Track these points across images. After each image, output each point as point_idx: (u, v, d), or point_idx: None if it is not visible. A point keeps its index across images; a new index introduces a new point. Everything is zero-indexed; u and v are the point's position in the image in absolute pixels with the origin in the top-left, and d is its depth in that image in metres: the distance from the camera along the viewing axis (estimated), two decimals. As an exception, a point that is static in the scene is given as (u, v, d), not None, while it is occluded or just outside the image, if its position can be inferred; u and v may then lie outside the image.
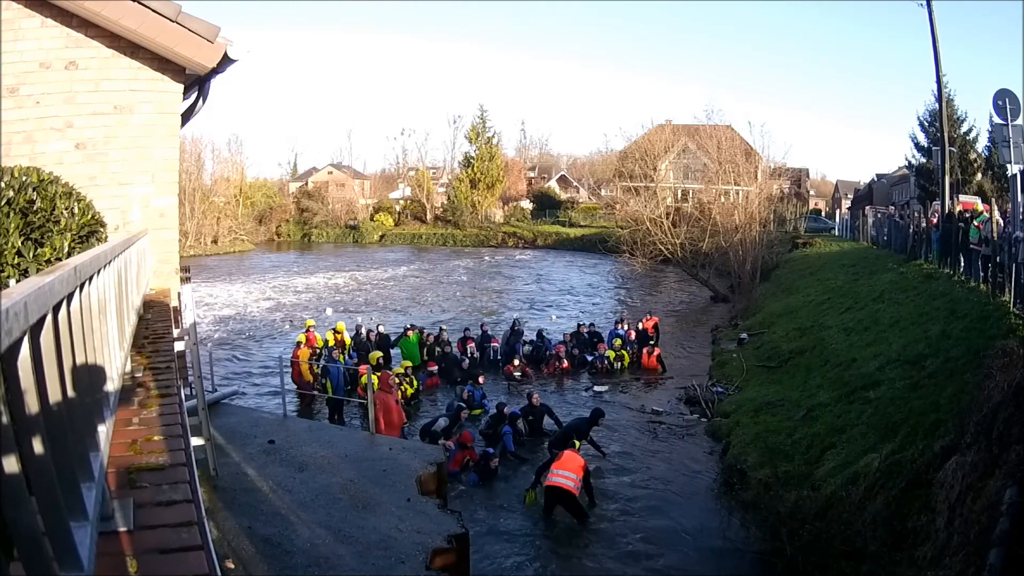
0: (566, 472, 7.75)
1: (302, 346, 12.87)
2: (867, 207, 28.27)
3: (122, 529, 1.37)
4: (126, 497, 1.46)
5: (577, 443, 8.69)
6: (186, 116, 5.90)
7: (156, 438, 1.88)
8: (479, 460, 8.91)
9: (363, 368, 10.90)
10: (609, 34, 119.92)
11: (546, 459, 8.90)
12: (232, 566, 4.35)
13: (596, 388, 13.20)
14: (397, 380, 10.86)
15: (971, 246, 11.17)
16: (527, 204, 56.02)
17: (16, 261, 2.35)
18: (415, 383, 12.16)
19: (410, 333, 14.30)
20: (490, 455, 8.98)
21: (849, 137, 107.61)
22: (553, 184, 62.90)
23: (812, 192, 61.97)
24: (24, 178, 2.60)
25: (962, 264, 12.00)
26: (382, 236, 51.21)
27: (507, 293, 26.62)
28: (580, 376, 14.08)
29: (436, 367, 13.26)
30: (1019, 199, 10.66)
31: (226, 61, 5.17)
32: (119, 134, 5.19)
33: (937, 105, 20.30)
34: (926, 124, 35.18)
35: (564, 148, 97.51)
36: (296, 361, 11.84)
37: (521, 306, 23.24)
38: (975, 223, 11.14)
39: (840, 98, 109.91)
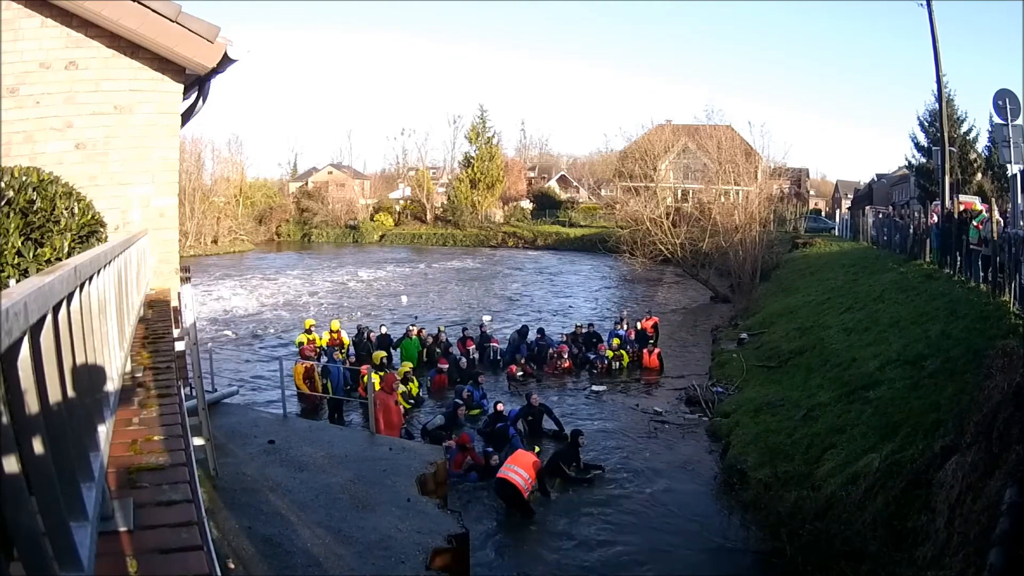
0: (517, 468, 7.86)
1: (302, 349, 12.92)
2: (867, 207, 28.26)
3: (122, 529, 1.37)
4: (126, 497, 1.47)
5: (566, 469, 8.75)
6: (186, 116, 5.91)
7: (156, 438, 1.88)
8: (481, 462, 8.90)
9: (364, 368, 10.91)
10: (609, 34, 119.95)
11: (556, 449, 9.26)
12: (233, 566, 4.35)
13: (595, 388, 13.19)
14: (400, 384, 10.86)
15: (971, 246, 11.17)
16: (527, 204, 56.02)
17: (16, 261, 2.35)
18: (416, 383, 12.18)
19: (412, 334, 14.31)
20: (490, 454, 8.98)
21: (849, 137, 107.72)
22: (553, 184, 62.89)
23: (812, 192, 61.96)
24: (24, 178, 2.60)
25: (959, 263, 12.01)
26: (382, 236, 51.21)
27: (507, 294, 26.61)
28: (581, 376, 14.09)
29: (446, 363, 13.24)
30: (1019, 199, 10.67)
31: (226, 61, 5.17)
32: (119, 134, 5.19)
33: (937, 105, 20.31)
34: (926, 124, 35.19)
35: (564, 148, 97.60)
36: (302, 361, 11.90)
37: (520, 307, 23.26)
38: (974, 223, 11.13)
39: (840, 98, 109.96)
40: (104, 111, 5.15)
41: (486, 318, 18.29)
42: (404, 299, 23.91)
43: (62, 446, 1.12)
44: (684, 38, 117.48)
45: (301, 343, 13.67)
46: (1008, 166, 11.63)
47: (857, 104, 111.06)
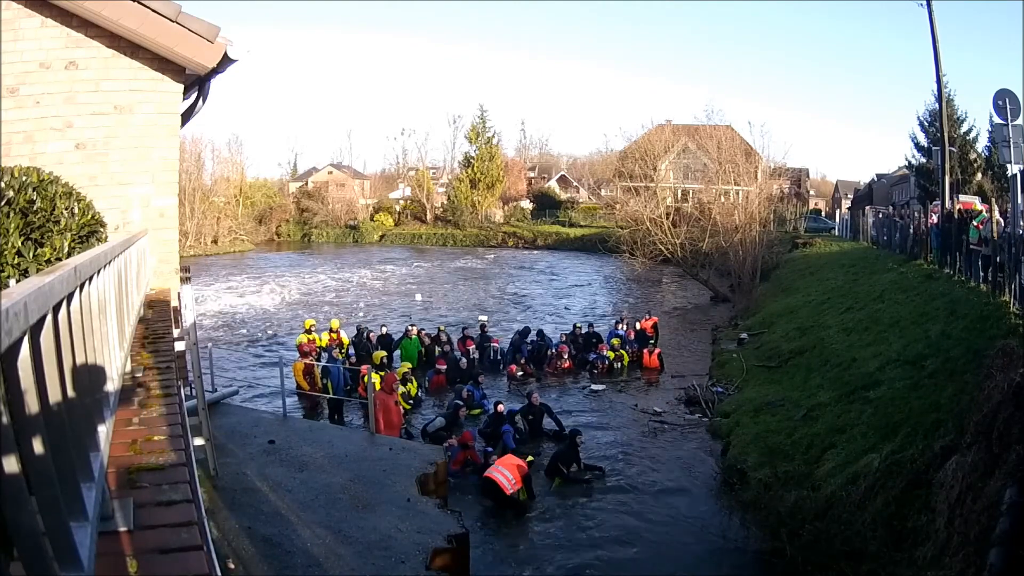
0: (504, 470, 8.02)
1: (301, 346, 12.92)
2: (867, 207, 28.25)
3: (122, 529, 1.37)
4: (126, 497, 1.47)
5: (565, 470, 8.81)
6: (186, 116, 5.91)
7: (156, 438, 1.88)
8: (480, 462, 8.91)
9: (364, 368, 10.92)
10: (609, 34, 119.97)
11: (555, 450, 9.28)
12: (233, 566, 4.35)
13: (593, 387, 13.20)
14: (399, 385, 10.85)
15: (971, 246, 11.17)
16: (527, 204, 56.02)
17: (16, 261, 2.35)
18: (415, 383, 12.18)
19: (411, 334, 14.30)
20: (490, 454, 8.99)
21: (849, 137, 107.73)
22: (553, 184, 62.88)
23: (812, 192, 61.93)
24: (24, 178, 2.60)
25: (959, 263, 12.01)
26: (382, 236, 51.23)
27: (508, 294, 26.61)
28: (581, 376, 14.08)
29: (444, 365, 13.22)
30: (1019, 199, 10.67)
31: (226, 61, 5.17)
32: (119, 134, 5.19)
33: (937, 105, 20.31)
34: (926, 124, 35.17)
35: (564, 148, 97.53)
36: (303, 361, 11.90)
37: (520, 307, 23.26)
38: (974, 223, 11.13)
39: (840, 98, 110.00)
40: (104, 111, 5.14)
41: (482, 318, 18.31)
42: (419, 296, 24.14)
43: (62, 446, 1.12)
44: (684, 38, 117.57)
45: (301, 342, 13.67)
46: (1008, 166, 11.62)
47: (857, 104, 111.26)
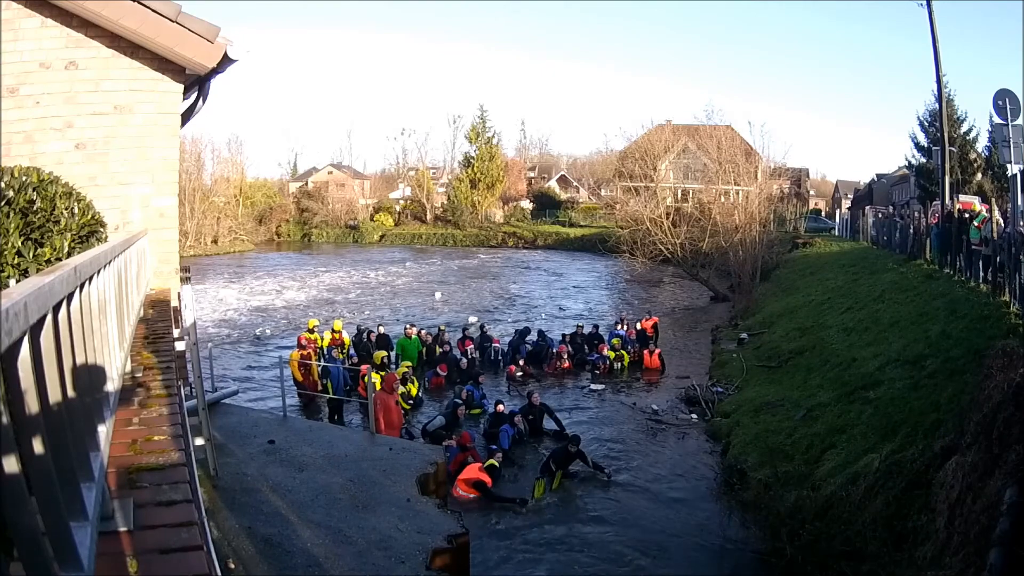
0: (458, 487, 8.21)
1: (301, 343, 12.91)
2: (867, 207, 28.23)
3: (122, 529, 1.37)
4: (126, 497, 1.47)
5: (558, 474, 8.76)
6: (186, 116, 5.91)
7: (156, 438, 1.88)
8: (483, 462, 8.91)
9: (364, 368, 10.90)
10: (609, 34, 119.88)
11: (553, 449, 9.24)
12: (233, 566, 4.35)
13: (593, 386, 13.20)
14: (399, 385, 10.84)
15: (972, 246, 11.17)
16: (527, 204, 56.04)
17: (16, 261, 2.35)
18: (415, 383, 12.18)
19: (411, 333, 14.29)
20: (493, 451, 8.99)
21: (849, 137, 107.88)
22: (553, 184, 62.89)
23: (812, 192, 61.94)
24: (24, 178, 2.60)
25: (959, 263, 12.01)
26: (382, 236, 51.26)
27: (506, 294, 26.61)
28: (581, 376, 14.08)
29: (446, 370, 13.18)
30: (1019, 199, 10.68)
31: (226, 61, 5.17)
32: (119, 134, 5.19)
33: (937, 105, 20.31)
34: (926, 124, 35.18)
35: (564, 148, 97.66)
36: (300, 360, 11.87)
37: (520, 308, 23.26)
38: (974, 223, 11.14)
39: (840, 98, 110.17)
40: (104, 111, 5.15)
41: (472, 319, 18.23)
42: (438, 295, 24.13)
43: (62, 446, 1.12)
44: (684, 38, 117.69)
45: (300, 337, 13.64)
46: (1008, 166, 11.64)
47: (857, 104, 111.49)
